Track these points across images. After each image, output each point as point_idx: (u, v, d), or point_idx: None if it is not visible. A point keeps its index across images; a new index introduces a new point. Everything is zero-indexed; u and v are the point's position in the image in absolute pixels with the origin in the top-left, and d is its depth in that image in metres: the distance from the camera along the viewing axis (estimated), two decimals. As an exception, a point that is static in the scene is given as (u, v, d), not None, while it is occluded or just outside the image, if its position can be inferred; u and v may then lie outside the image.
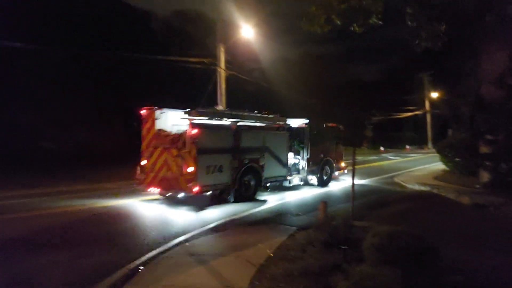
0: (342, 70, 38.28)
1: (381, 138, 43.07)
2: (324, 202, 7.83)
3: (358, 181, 14.14)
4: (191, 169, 9.25)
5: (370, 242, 4.40)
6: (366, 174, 17.37)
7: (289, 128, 13.02)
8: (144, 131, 10.45)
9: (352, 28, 7.17)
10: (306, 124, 13.53)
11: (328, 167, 14.31)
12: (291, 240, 6.53)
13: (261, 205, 10.32)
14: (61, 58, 19.40)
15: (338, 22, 6.75)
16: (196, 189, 9.24)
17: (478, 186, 12.79)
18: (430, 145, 42.91)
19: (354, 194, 7.72)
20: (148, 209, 9.84)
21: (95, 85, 23.18)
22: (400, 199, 11.35)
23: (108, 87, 23.82)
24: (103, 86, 23.63)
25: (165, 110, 10.55)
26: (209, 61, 20.49)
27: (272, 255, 5.74)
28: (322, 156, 13.91)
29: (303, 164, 13.47)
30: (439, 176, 15.13)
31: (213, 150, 9.91)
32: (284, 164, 12.41)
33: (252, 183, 11.15)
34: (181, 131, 9.87)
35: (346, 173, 15.58)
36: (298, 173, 13.45)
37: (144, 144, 10.41)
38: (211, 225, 7.80)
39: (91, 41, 21.15)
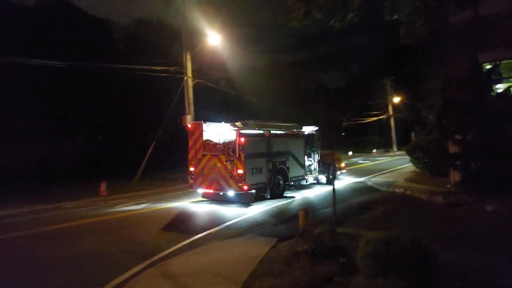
0: (310, 77, 38.63)
1: (349, 143, 43.84)
2: (305, 210, 7.50)
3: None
4: (240, 171, 11.12)
5: (364, 250, 4.06)
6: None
7: (303, 135, 14.70)
8: (191, 142, 12.12)
9: (332, 23, 6.98)
10: (315, 131, 15.13)
11: (332, 168, 15.73)
12: (274, 252, 6.10)
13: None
14: (17, 67, 18.05)
15: (319, 16, 6.54)
16: (245, 187, 11.16)
17: (449, 186, 12.94)
18: (395, 148, 44.07)
19: (335, 200, 7.43)
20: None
21: (53, 97, 21.84)
22: (376, 202, 11.26)
23: (69, 98, 22.59)
24: (64, 97, 22.36)
25: (209, 123, 12.30)
26: (175, 69, 19.92)
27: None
28: (327, 158, 15.33)
29: (315, 165, 15.46)
30: (410, 178, 15.26)
31: (255, 155, 11.77)
32: (302, 165, 14.33)
33: (281, 182, 12.97)
34: (228, 140, 11.92)
35: (344, 173, 18.64)
36: (311, 173, 15.24)
37: (191, 153, 12.11)
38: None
39: (50, 50, 19.95)
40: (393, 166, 24.34)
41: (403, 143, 34.15)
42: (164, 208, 11.49)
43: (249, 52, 29.64)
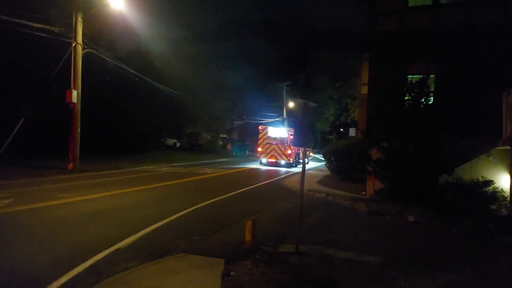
0: (213, 72, 36.96)
1: (243, 142, 43.52)
2: (252, 221, 5.85)
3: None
4: (289, 152, 23.87)
5: None
6: (250, 178, 16.11)
7: None
8: (260, 136, 25.29)
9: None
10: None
11: (307, 154, 24.99)
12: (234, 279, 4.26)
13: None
14: None
15: None
16: (291, 160, 24.04)
17: (363, 192, 12.84)
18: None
19: (302, 211, 5.94)
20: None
21: None
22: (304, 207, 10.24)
23: None
24: None
25: (270, 128, 26.09)
26: (60, 31, 15.98)
27: None
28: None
29: (307, 153, 24.80)
30: (322, 181, 14.92)
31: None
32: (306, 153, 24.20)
33: (297, 160, 25.59)
34: (284, 137, 24.51)
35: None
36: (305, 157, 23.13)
37: (260, 142, 25.31)
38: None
39: None
40: (282, 172, 24.44)
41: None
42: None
43: (162, 26, 26.39)
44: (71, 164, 15.78)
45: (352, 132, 30.03)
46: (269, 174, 19.50)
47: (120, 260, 5.11)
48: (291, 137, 22.13)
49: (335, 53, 48.39)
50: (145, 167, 19.31)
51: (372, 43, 13.23)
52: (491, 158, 10.55)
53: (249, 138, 43.79)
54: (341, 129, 49.57)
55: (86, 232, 6.58)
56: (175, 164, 22.14)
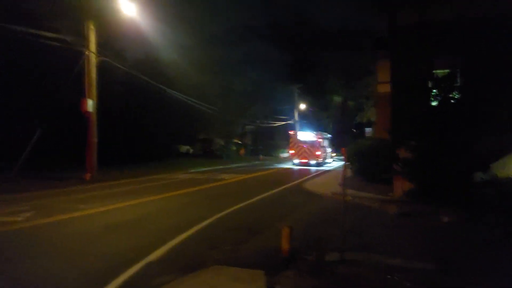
0: (224, 77, 36.73)
1: (256, 146, 43.19)
2: (289, 228, 5.48)
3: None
4: (318, 153, 27.74)
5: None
6: (274, 183, 15.78)
7: (328, 137, 32.26)
8: (291, 140, 29.31)
9: None
10: (329, 134, 32.82)
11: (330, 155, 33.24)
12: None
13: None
14: None
15: None
16: (320, 160, 27.87)
17: (391, 194, 12.34)
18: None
19: (345, 218, 5.54)
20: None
21: None
22: (332, 211, 9.88)
23: None
24: None
25: (299, 132, 30.84)
26: (73, 41, 15.88)
27: None
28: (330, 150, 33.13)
29: (330, 154, 32.77)
30: (345, 183, 14.41)
31: (324, 146, 29.38)
32: (327, 154, 31.31)
33: (325, 160, 29.99)
34: (312, 140, 28.24)
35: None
36: (328, 158, 31.91)
37: (291, 145, 29.21)
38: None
39: None
40: (313, 170, 23.99)
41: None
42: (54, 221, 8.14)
43: (173, 37, 26.28)
44: (89, 174, 15.59)
45: (368, 132, 29.43)
46: (288, 177, 19.08)
47: (155, 274, 4.76)
48: (320, 140, 28.22)
49: (345, 53, 47.91)
50: (162, 175, 19.06)
51: (393, 38, 12.77)
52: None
53: (262, 142, 43.45)
54: (354, 130, 48.87)
55: (112, 245, 6.26)
56: (191, 171, 21.86)
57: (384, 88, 20.18)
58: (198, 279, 4.50)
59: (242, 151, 38.37)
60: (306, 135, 28.89)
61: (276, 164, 31.10)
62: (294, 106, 45.06)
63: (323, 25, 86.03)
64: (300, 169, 25.58)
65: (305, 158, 27.63)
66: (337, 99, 45.02)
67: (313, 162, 27.43)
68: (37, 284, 4.47)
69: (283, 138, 46.98)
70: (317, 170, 24.43)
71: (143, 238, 6.66)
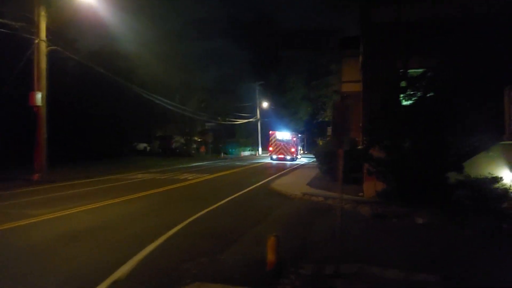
0: (184, 73, 35.50)
1: (217, 144, 42.31)
2: (276, 237, 5.00)
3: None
4: (293, 150, 33.29)
5: None
6: (240, 183, 15.16)
7: (300, 137, 41.96)
8: (271, 138, 33.75)
9: None
10: (299, 134, 41.22)
11: (300, 152, 38.92)
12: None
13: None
14: None
15: None
16: (294, 156, 33.22)
17: (361, 194, 12.26)
18: (260, 150, 44.70)
19: (340, 231, 5.12)
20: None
21: None
22: (306, 214, 9.52)
23: None
24: None
25: (277, 132, 34.34)
26: (21, 27, 14.35)
27: None
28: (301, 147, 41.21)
29: (300, 151, 38.64)
30: (314, 183, 14.22)
31: (297, 144, 35.37)
32: (298, 150, 37.28)
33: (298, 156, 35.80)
34: (288, 139, 33.58)
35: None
36: (299, 155, 37.20)
37: (270, 142, 33.76)
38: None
39: None
40: (280, 169, 23.69)
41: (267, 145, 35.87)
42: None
43: (132, 29, 24.77)
44: (37, 174, 14.14)
45: (329, 131, 29.74)
46: (255, 176, 18.58)
47: (124, 298, 4.05)
48: (294, 139, 33.66)
49: (306, 53, 48.36)
50: (119, 174, 17.84)
51: (367, 36, 12.63)
52: (490, 153, 10.25)
53: (223, 140, 42.65)
54: (315, 129, 49.52)
55: (70, 259, 5.40)
56: (151, 171, 20.72)
57: (347, 88, 20.28)
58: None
59: (202, 149, 37.38)
60: (283, 135, 33.74)
61: (238, 162, 30.63)
62: (256, 103, 44.72)
63: (284, 24, 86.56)
64: (267, 166, 28.21)
65: (282, 154, 32.70)
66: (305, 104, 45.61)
67: (288, 157, 32.60)
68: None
69: (245, 136, 46.58)
70: (291, 165, 28.27)
71: (106, 251, 5.85)
